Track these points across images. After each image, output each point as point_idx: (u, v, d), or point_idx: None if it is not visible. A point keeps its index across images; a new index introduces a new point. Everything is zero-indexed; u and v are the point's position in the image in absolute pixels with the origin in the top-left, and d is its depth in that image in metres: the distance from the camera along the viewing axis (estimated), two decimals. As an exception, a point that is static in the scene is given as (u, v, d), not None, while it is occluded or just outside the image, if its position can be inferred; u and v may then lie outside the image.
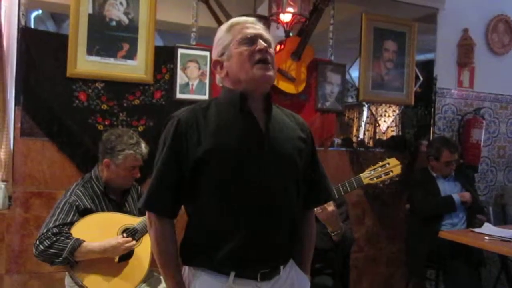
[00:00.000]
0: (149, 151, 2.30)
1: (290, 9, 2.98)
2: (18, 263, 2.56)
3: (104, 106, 2.69)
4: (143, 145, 2.28)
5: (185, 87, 2.87)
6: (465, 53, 3.84)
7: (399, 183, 3.48)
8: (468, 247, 2.82)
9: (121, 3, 2.72)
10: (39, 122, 2.59)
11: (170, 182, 1.36)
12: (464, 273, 2.96)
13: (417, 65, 3.66)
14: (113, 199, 2.30)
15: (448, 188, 3.30)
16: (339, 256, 2.46)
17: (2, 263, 2.54)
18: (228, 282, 1.34)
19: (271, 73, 1.41)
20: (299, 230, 1.52)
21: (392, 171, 2.08)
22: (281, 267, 1.43)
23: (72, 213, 2.11)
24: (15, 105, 2.57)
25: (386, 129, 3.59)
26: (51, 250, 2.00)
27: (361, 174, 2.12)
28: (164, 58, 2.83)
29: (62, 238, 2.02)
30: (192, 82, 2.89)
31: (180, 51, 2.86)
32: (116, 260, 2.12)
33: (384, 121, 3.58)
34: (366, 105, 3.52)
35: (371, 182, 2.10)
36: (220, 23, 2.95)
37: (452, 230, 3.11)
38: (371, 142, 3.56)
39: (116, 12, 2.71)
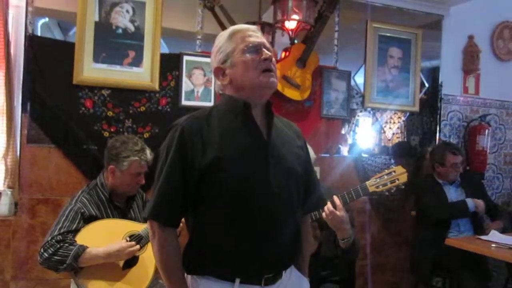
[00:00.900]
0: (154, 157, 2.30)
1: (295, 16, 2.99)
2: (23, 270, 2.56)
3: (110, 113, 2.70)
4: (148, 151, 2.28)
5: (191, 94, 2.88)
6: (470, 59, 3.84)
7: (404, 190, 3.46)
8: (475, 256, 2.79)
9: (127, 11, 2.74)
10: (46, 129, 2.60)
11: (175, 191, 1.35)
12: (471, 282, 2.93)
13: (422, 72, 3.66)
14: (118, 206, 2.29)
15: (454, 194, 3.28)
16: (346, 262, 2.44)
17: (8, 270, 2.55)
18: None
19: (275, 80, 1.42)
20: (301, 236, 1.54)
21: (398, 179, 2.06)
22: (283, 271, 1.44)
23: (77, 220, 2.11)
24: (22, 112, 2.59)
25: (392, 136, 3.58)
26: (55, 257, 1.99)
27: (367, 182, 2.10)
28: (170, 65, 2.85)
29: (66, 245, 2.01)
30: (198, 89, 2.90)
31: (185, 58, 2.87)
32: (121, 266, 2.12)
33: (390, 128, 3.57)
34: (371, 112, 3.51)
35: (377, 190, 2.08)
36: (225, 30, 2.96)
37: (459, 237, 3.08)
38: (376, 149, 3.54)
39: (122, 19, 2.73)
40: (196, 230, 1.40)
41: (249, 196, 1.35)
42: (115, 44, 2.71)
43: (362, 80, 3.46)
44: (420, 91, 3.65)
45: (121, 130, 2.72)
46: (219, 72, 1.45)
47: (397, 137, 3.61)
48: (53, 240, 2.02)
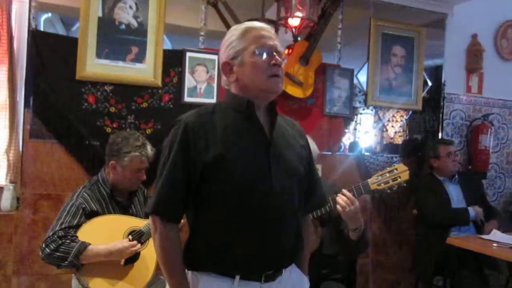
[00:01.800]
0: (155, 153, 2.30)
1: (299, 14, 2.98)
2: (25, 265, 2.57)
3: (113, 109, 2.71)
4: (149, 147, 2.28)
5: (193, 90, 2.88)
6: (473, 58, 3.82)
7: (406, 188, 3.46)
8: (476, 255, 2.79)
9: (130, 7, 2.73)
10: (48, 124, 2.61)
11: (178, 187, 1.35)
12: (472, 281, 2.93)
13: (425, 71, 3.65)
14: (120, 201, 2.30)
15: (454, 192, 3.28)
16: (357, 255, 2.43)
17: (9, 265, 2.55)
18: (233, 285, 1.35)
19: (281, 85, 1.43)
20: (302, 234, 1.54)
21: (400, 177, 2.05)
22: (284, 269, 1.45)
23: (79, 216, 2.11)
24: (25, 107, 2.59)
25: (394, 135, 3.57)
26: (57, 254, 2.00)
27: (368, 180, 2.10)
28: (173, 61, 2.84)
29: (68, 241, 2.02)
30: (200, 86, 2.90)
31: (188, 54, 2.87)
32: (122, 263, 2.12)
33: (392, 126, 3.57)
34: (374, 110, 3.51)
35: (379, 188, 2.08)
36: (228, 27, 2.95)
37: (460, 236, 3.08)
38: (378, 147, 3.54)
39: (125, 15, 2.73)
40: (197, 226, 1.41)
41: (250, 194, 1.35)
42: (118, 40, 2.71)
43: (365, 78, 3.45)
44: (423, 90, 3.64)
45: (123, 126, 2.72)
46: (227, 67, 1.44)
47: (400, 136, 3.60)
48: (55, 236, 2.02)
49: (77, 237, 2.06)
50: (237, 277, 1.35)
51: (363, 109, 3.48)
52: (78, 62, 2.61)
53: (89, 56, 2.63)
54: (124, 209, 2.31)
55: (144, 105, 2.78)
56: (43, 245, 2.03)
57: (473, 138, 3.79)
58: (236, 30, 1.44)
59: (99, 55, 2.66)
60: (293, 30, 3.06)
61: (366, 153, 3.47)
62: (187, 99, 2.86)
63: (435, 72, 3.75)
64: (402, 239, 3.58)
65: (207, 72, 2.91)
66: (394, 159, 3.51)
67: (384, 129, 3.55)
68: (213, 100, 2.90)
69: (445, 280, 3.25)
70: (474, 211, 3.10)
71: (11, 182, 2.58)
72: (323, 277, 2.30)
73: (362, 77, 3.45)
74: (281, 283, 1.43)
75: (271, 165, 1.38)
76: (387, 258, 3.57)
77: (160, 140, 2.64)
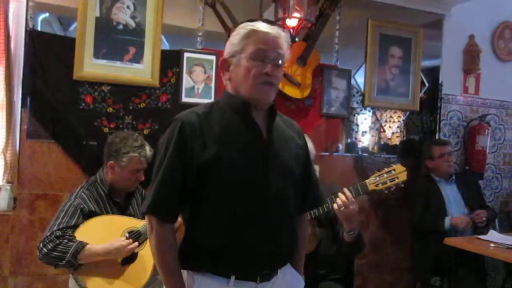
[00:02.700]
0: (153, 154, 2.30)
1: (296, 14, 2.98)
2: (22, 265, 2.56)
3: (110, 109, 2.70)
4: (147, 148, 2.28)
5: (191, 90, 2.88)
6: (471, 59, 3.83)
7: (403, 189, 3.46)
8: (473, 255, 2.80)
9: (128, 7, 2.73)
10: (45, 124, 2.60)
11: (174, 187, 1.35)
12: (469, 281, 2.94)
13: (422, 71, 3.66)
14: (118, 202, 2.29)
15: (450, 192, 3.29)
16: (352, 256, 2.43)
17: (6, 265, 2.54)
18: (228, 285, 1.35)
19: (271, 95, 1.41)
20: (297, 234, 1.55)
21: (398, 177, 2.06)
22: (279, 269, 1.45)
23: (77, 216, 2.11)
24: (22, 107, 2.58)
25: (391, 135, 3.58)
26: (55, 253, 1.99)
27: (366, 180, 2.10)
28: (170, 61, 2.84)
29: (65, 241, 2.01)
30: (198, 86, 2.90)
31: (186, 55, 2.87)
32: (119, 262, 2.12)
33: (389, 127, 3.57)
34: (371, 111, 3.51)
35: (376, 188, 2.08)
36: (226, 27, 2.96)
37: (458, 236, 3.09)
38: (375, 148, 3.54)
39: (123, 15, 2.72)
40: (193, 226, 1.40)
41: (246, 195, 1.35)
42: (116, 40, 2.70)
43: (363, 79, 3.46)
44: (420, 91, 3.64)
45: (121, 126, 2.71)
46: (224, 64, 1.44)
47: (397, 136, 3.61)
48: (53, 236, 2.02)
49: (74, 237, 2.05)
50: (233, 277, 1.35)
51: (361, 110, 3.48)
52: (75, 62, 2.60)
53: (86, 56, 2.63)
54: (122, 210, 2.30)
55: (142, 105, 2.77)
56: (41, 245, 2.02)
57: (470, 138, 3.80)
58: (242, 29, 1.41)
59: (96, 55, 2.66)
60: (291, 30, 3.05)
61: (364, 154, 3.47)
62: (184, 99, 2.86)
63: (432, 73, 3.76)
64: (400, 240, 3.59)
65: (205, 72, 2.91)
66: (392, 160, 3.52)
67: (382, 130, 3.55)
68: (211, 101, 2.89)
69: (442, 280, 3.26)
70: (449, 221, 3.09)
71: (8, 182, 2.57)
72: (320, 277, 2.30)
73: (359, 77, 3.46)
74: (276, 283, 1.43)
75: (267, 165, 1.38)
76: (385, 259, 3.57)
77: (158, 141, 2.65)
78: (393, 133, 3.59)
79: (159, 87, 2.80)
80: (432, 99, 3.73)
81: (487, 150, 3.80)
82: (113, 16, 2.70)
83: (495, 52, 4.01)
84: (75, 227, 2.09)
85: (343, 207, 1.99)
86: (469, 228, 3.09)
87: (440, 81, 3.75)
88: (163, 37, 2.81)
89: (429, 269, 3.19)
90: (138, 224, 2.22)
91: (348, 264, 2.54)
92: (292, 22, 3.02)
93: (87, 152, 2.65)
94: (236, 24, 2.87)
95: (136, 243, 2.13)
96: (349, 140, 3.45)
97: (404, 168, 2.07)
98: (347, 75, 3.36)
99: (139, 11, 2.75)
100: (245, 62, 1.37)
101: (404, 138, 3.63)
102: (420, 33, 3.61)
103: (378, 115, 3.53)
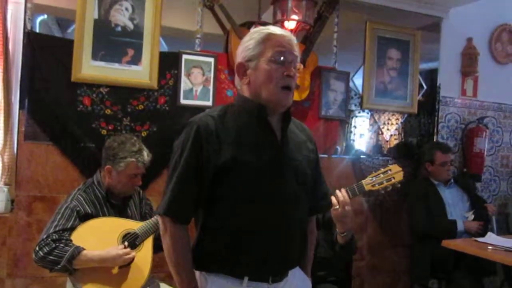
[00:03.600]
0: (152, 158, 2.30)
1: (295, 17, 2.99)
2: (19, 267, 2.55)
3: (108, 111, 2.70)
4: (145, 153, 2.27)
5: (189, 93, 2.88)
6: (468, 62, 3.84)
7: (401, 191, 3.47)
8: (471, 257, 2.80)
9: (126, 9, 2.73)
10: (43, 126, 2.59)
11: (190, 189, 1.37)
12: (467, 284, 2.94)
13: (420, 74, 3.67)
14: (115, 204, 2.29)
15: (449, 196, 3.29)
16: (344, 259, 2.43)
17: (3, 267, 2.53)
18: (242, 286, 1.38)
19: (291, 99, 1.45)
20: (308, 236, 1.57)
21: (394, 178, 2.06)
22: (290, 270, 1.48)
23: (73, 218, 2.10)
24: (20, 108, 2.58)
25: (389, 138, 3.58)
26: (50, 257, 1.99)
27: (363, 181, 2.11)
28: (169, 63, 2.84)
29: (62, 245, 2.01)
30: (196, 88, 2.90)
31: (184, 57, 2.87)
32: (116, 271, 2.11)
33: (387, 129, 3.57)
34: (370, 113, 3.51)
35: (373, 188, 2.09)
36: (225, 29, 2.96)
37: (455, 239, 3.09)
38: (374, 150, 3.55)
39: (121, 17, 2.72)
40: (207, 227, 1.42)
41: (261, 197, 1.38)
42: (114, 42, 2.70)
43: (361, 81, 3.46)
44: (418, 93, 3.65)
45: (119, 128, 2.71)
46: (241, 68, 1.45)
47: (395, 139, 3.61)
48: (49, 239, 2.01)
49: (71, 240, 2.05)
50: (246, 278, 1.37)
51: (359, 112, 3.49)
52: (73, 64, 2.60)
53: (84, 58, 2.63)
54: (120, 212, 2.30)
55: (140, 107, 2.77)
56: (37, 248, 2.01)
57: (468, 141, 3.80)
58: (257, 33, 1.43)
59: (94, 57, 2.65)
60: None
61: (362, 156, 3.48)
62: (183, 101, 2.86)
63: (430, 75, 3.76)
64: (398, 242, 3.59)
65: (203, 74, 2.91)
66: (390, 162, 3.51)
67: (380, 132, 3.56)
68: (209, 103, 2.90)
69: (440, 282, 3.26)
70: (462, 224, 3.11)
71: (5, 184, 2.57)
72: (318, 279, 2.30)
73: (357, 80, 3.46)
74: (287, 284, 1.46)
75: (282, 169, 1.41)
76: (382, 261, 3.57)
77: (156, 142, 2.65)
78: (391, 135, 3.59)
79: (157, 89, 2.80)
80: (430, 102, 3.74)
81: (485, 153, 3.81)
82: (111, 18, 2.70)
83: (492, 55, 4.02)
84: (72, 229, 2.08)
85: (337, 207, 1.98)
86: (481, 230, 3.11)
87: (438, 84, 3.76)
88: (161, 39, 2.81)
89: (427, 272, 3.19)
90: (135, 226, 2.22)
91: (346, 266, 2.55)
92: (290, 25, 3.03)
93: (85, 154, 2.65)
94: (234, 26, 2.89)
95: (134, 253, 2.12)
96: (347, 143, 3.45)
97: (400, 168, 2.08)
98: (345, 77, 3.37)
99: (137, 13, 2.75)
100: (265, 65, 1.39)
101: (403, 140, 3.64)
102: (418, 35, 3.62)
103: (376, 118, 3.53)
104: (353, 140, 3.47)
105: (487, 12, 3.93)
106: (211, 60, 2.91)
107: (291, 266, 1.48)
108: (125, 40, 2.73)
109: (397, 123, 3.61)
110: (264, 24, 3.05)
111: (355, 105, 3.46)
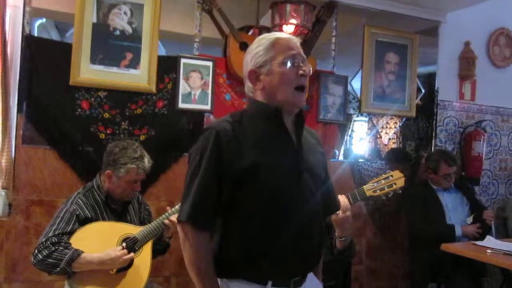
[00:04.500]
0: (152, 164, 2.30)
1: (293, 21, 2.99)
2: (17, 271, 2.54)
3: (106, 115, 2.69)
4: (146, 159, 2.27)
5: (188, 96, 2.88)
6: (466, 66, 3.85)
7: (400, 195, 3.46)
8: (470, 261, 2.79)
9: (125, 13, 2.73)
10: (41, 129, 2.59)
11: (211, 195, 1.36)
12: (465, 285, 2.93)
13: (418, 78, 3.67)
14: (114, 208, 2.29)
15: (448, 200, 3.29)
16: (342, 263, 2.43)
17: (1, 271, 2.52)
18: None
19: (304, 99, 1.47)
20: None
21: (395, 184, 2.06)
22: (308, 273, 1.49)
23: (72, 222, 2.10)
24: (17, 112, 2.57)
25: (388, 141, 3.58)
26: (49, 260, 1.98)
27: (364, 186, 2.11)
28: (167, 67, 2.84)
29: (61, 248, 2.00)
30: (195, 92, 2.90)
31: (183, 61, 2.87)
32: (113, 272, 2.10)
33: (386, 133, 3.58)
34: (368, 117, 3.52)
35: (374, 194, 2.09)
36: (223, 33, 2.97)
37: (454, 243, 3.08)
38: (372, 154, 3.54)
39: (120, 21, 2.72)
40: (228, 233, 1.40)
41: (282, 202, 1.38)
42: (113, 45, 2.70)
43: (359, 85, 3.46)
44: (417, 97, 3.66)
45: (117, 132, 2.71)
46: (253, 75, 1.46)
47: (393, 142, 3.61)
48: (48, 242, 2.01)
49: (70, 244, 2.04)
50: (269, 283, 1.37)
51: (357, 116, 3.49)
52: (72, 68, 2.60)
53: (83, 61, 2.62)
54: (119, 216, 2.29)
55: (138, 111, 2.77)
56: (36, 251, 2.01)
57: (466, 144, 3.81)
58: (265, 39, 1.47)
59: (93, 60, 2.65)
60: (288, 37, 3.06)
61: (360, 160, 3.48)
62: (181, 105, 2.85)
63: (428, 79, 3.77)
64: (397, 246, 3.58)
65: (202, 78, 2.91)
66: (387, 166, 3.52)
67: (378, 136, 3.56)
68: (208, 107, 2.90)
69: (439, 286, 3.25)
70: (460, 229, 3.10)
71: (3, 188, 2.55)
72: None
73: (356, 84, 3.46)
74: (305, 287, 1.47)
75: (300, 173, 1.42)
76: (381, 265, 3.57)
77: (154, 147, 2.65)
78: (389, 139, 3.59)
79: (156, 93, 2.80)
80: (428, 105, 3.74)
81: (483, 156, 3.81)
82: (110, 22, 2.70)
83: (490, 59, 4.03)
84: (71, 233, 2.08)
85: (338, 212, 1.99)
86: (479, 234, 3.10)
87: (436, 87, 3.77)
88: (160, 43, 2.81)
89: (426, 276, 3.18)
90: (135, 230, 2.21)
91: (345, 270, 2.54)
92: (288, 29, 3.04)
93: (83, 158, 2.64)
94: (233, 30, 2.89)
95: (132, 254, 2.12)
96: (345, 146, 3.45)
97: (401, 174, 2.08)
98: (343, 81, 3.37)
99: (136, 17, 2.75)
100: (278, 69, 1.42)
101: (401, 144, 3.64)
102: (416, 39, 3.63)
103: (374, 121, 3.54)
104: (352, 144, 3.47)
105: (484, 16, 3.94)
106: (210, 64, 2.91)
107: (311, 268, 1.50)
108: (124, 44, 2.73)
109: (395, 127, 3.61)
110: (261, 28, 3.07)
111: (354, 109, 3.47)
